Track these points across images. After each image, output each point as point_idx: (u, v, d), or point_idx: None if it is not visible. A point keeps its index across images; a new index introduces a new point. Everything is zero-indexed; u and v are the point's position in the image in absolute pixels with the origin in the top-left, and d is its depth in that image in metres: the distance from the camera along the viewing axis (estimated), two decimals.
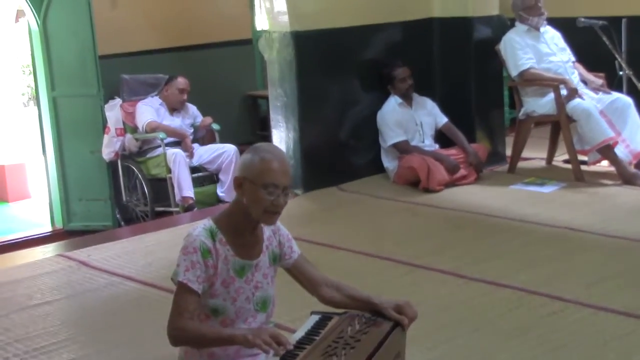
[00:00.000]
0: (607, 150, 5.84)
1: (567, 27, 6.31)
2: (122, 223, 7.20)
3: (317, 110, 6.00)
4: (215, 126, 7.22)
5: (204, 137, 7.24)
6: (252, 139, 8.28)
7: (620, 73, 6.29)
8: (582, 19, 6.19)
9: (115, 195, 7.22)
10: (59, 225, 7.37)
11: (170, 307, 2.46)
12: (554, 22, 6.25)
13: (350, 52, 6.11)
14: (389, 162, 6.17)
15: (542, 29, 6.18)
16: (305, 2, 5.84)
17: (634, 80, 6.18)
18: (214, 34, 8.39)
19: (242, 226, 2.52)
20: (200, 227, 2.50)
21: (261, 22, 8.70)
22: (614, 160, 5.85)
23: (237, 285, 2.53)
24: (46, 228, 7.47)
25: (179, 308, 2.43)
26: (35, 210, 8.18)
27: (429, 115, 6.23)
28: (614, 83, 6.28)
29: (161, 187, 6.87)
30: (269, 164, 2.44)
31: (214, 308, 2.51)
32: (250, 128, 8.73)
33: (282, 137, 5.99)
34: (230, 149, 6.93)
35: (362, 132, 6.20)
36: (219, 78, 8.38)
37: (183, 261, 2.45)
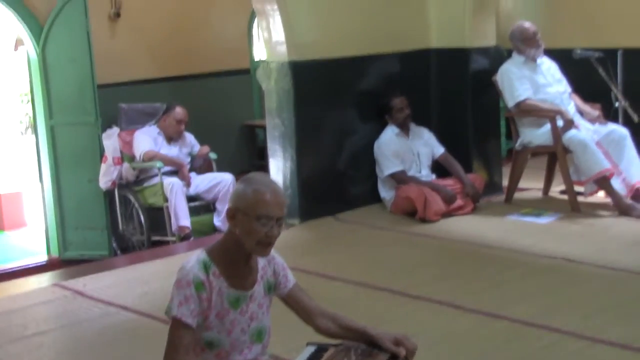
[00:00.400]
0: (603, 182, 5.85)
1: (563, 58, 6.36)
2: (119, 252, 7.19)
3: (315, 140, 6.02)
4: (213, 155, 7.24)
5: (201, 166, 7.26)
6: (250, 168, 8.33)
7: (616, 104, 6.31)
8: (579, 51, 6.22)
9: (112, 224, 7.21)
10: (55, 254, 7.35)
11: (166, 341, 2.44)
12: (551, 53, 6.29)
13: (347, 82, 6.15)
14: (386, 192, 6.17)
15: (538, 60, 6.21)
16: (303, 32, 5.87)
17: (630, 111, 6.20)
18: (212, 63, 8.45)
19: (235, 257, 2.51)
20: (193, 260, 2.49)
21: (259, 52, 8.86)
22: (610, 191, 5.85)
23: (232, 317, 2.52)
24: (42, 257, 7.44)
25: (174, 343, 2.42)
26: (31, 239, 8.16)
27: (425, 145, 6.25)
28: (610, 114, 6.30)
29: (158, 216, 6.87)
30: (263, 196, 2.43)
31: (209, 341, 2.50)
32: (247, 157, 8.75)
33: (279, 166, 6.00)
34: (227, 178, 6.94)
35: (360, 162, 6.22)
36: (216, 107, 8.41)
37: (177, 295, 2.44)
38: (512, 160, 6.39)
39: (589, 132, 6.00)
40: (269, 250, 2.52)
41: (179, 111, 7.06)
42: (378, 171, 6.21)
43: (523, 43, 6.12)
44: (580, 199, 6.01)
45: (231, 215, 2.48)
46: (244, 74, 8.73)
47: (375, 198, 6.23)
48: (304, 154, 5.95)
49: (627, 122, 6.22)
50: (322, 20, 5.98)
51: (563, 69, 6.35)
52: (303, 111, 5.91)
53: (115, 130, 7.14)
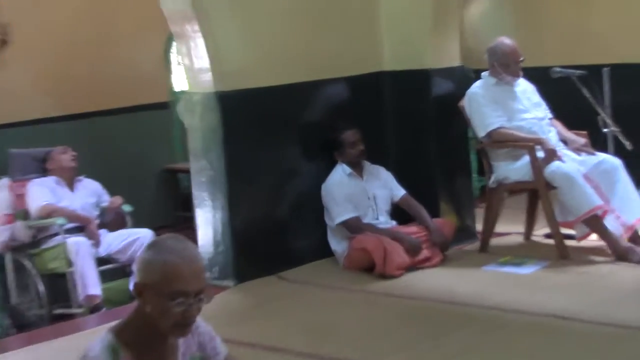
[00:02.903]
0: (594, 222, 5.87)
1: (540, 78, 6.43)
2: (13, 330, 7.04)
3: (250, 184, 6.01)
4: (127, 207, 7.18)
5: (113, 221, 7.18)
6: (172, 221, 8.34)
7: (605, 130, 6.40)
8: (557, 69, 6.33)
9: (3, 297, 7.08)
10: None
11: None
12: (525, 73, 6.34)
13: (287, 114, 6.16)
14: (338, 244, 6.17)
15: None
16: (231, 57, 5.87)
17: (621, 138, 6.29)
18: (122, 97, 8.42)
19: (149, 338, 2.47)
20: (97, 346, 2.44)
21: (179, 83, 8.81)
22: (604, 232, 5.88)
23: None
24: None
25: None
26: None
27: (383, 187, 6.28)
28: (598, 142, 6.37)
29: (60, 285, 6.76)
30: (175, 268, 2.39)
31: None
32: (169, 208, 8.70)
33: (208, 218, 5.98)
34: (145, 234, 6.88)
35: (305, 209, 6.23)
36: (129, 149, 8.37)
37: None
38: (486, 200, 6.44)
39: (575, 163, 6.05)
40: (189, 330, 2.48)
41: (58, 148, 7.04)
42: (327, 219, 6.21)
43: (502, 66, 6.20)
44: (568, 243, 6.05)
45: (139, 291, 2.44)
46: (162, 109, 8.73)
47: (325, 252, 6.24)
48: (238, 202, 5.93)
49: (619, 151, 6.33)
50: (255, 43, 6.00)
51: (541, 91, 6.43)
52: (234, 151, 5.91)
53: (5, 181, 7.04)
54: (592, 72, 6.34)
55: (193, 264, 2.43)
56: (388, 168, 6.40)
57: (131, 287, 6.72)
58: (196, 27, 5.75)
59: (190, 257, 2.44)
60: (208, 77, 5.85)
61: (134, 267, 6.79)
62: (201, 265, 2.46)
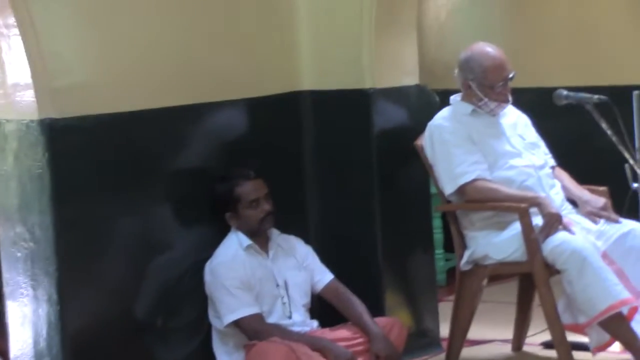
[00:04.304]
0: (618, 324, 5.87)
1: (539, 105, 6.70)
2: None
3: (94, 264, 5.81)
4: None
5: None
6: None
7: (635, 185, 6.35)
8: (565, 92, 6.28)
9: None
10: None
11: None
12: (516, 98, 6.37)
13: (154, 155, 6.07)
14: (228, 356, 6.07)
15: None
16: (68, 67, 5.69)
17: None
18: None
19: None
20: None
21: None
22: (632, 340, 5.88)
23: None
24: None
25: None
26: None
27: (300, 268, 6.22)
28: (624, 203, 6.42)
29: None
30: None
31: None
32: None
33: (25, 315, 5.74)
34: None
35: (179, 303, 6.13)
36: None
37: None
38: (455, 289, 6.43)
39: (590, 235, 6.07)
40: None
41: None
42: (213, 317, 6.10)
43: (481, 87, 6.25)
44: (579, 356, 6.06)
45: None
46: None
47: None
48: (74, 292, 5.70)
49: None
50: (104, 45, 5.87)
51: (539, 126, 6.49)
52: (70, 211, 5.68)
53: None
54: (616, 97, 6.26)
55: None
56: (308, 239, 6.40)
57: None
58: (12, 20, 5.58)
59: None
60: (29, 96, 5.65)
61: None
62: None
